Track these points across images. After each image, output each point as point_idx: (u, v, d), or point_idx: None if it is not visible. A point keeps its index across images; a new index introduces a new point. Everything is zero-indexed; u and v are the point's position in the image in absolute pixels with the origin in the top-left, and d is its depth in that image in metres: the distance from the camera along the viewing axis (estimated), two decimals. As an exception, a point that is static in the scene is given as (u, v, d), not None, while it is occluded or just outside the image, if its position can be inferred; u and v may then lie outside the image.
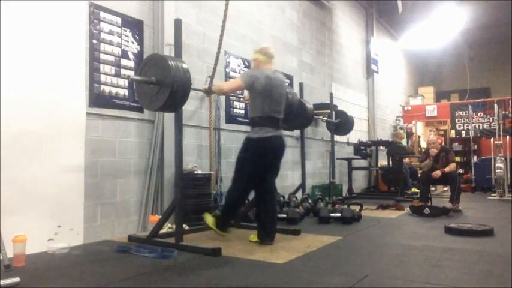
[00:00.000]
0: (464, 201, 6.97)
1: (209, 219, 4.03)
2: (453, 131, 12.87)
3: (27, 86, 3.62)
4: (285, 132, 6.81)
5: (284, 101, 4.01)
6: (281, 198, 5.87)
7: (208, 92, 4.15)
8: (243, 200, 4.19)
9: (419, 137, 13.67)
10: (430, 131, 10.93)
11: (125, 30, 4.54)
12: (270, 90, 3.80)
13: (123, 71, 4.49)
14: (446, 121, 13.18)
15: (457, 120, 12.85)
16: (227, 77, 5.89)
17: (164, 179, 4.68)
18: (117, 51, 4.45)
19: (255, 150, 3.82)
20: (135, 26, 4.65)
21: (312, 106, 6.59)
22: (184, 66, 3.62)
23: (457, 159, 10.58)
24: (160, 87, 3.56)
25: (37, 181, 3.62)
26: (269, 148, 3.84)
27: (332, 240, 4.05)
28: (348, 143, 9.04)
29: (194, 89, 4.08)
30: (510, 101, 11.74)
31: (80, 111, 4.00)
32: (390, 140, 10.14)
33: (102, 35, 4.31)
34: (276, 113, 3.89)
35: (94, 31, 4.23)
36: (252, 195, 5.33)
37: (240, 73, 6.16)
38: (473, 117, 11.82)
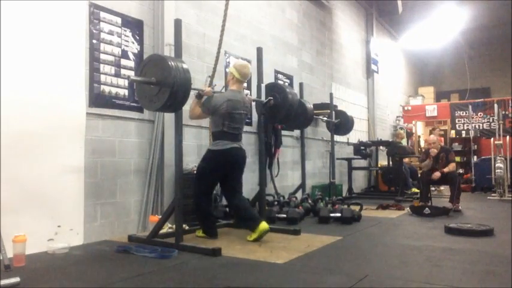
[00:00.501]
0: (464, 201, 6.97)
1: (200, 233, 4.29)
2: (453, 131, 12.87)
3: (28, 86, 3.62)
4: (285, 132, 6.88)
5: (245, 119, 4.34)
6: (281, 198, 5.87)
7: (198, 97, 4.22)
8: (208, 203, 4.28)
9: (419, 137, 13.67)
10: (433, 130, 10.91)
11: (125, 30, 4.54)
12: (230, 112, 4.09)
13: (123, 71, 4.49)
14: (446, 121, 13.18)
15: (457, 120, 12.86)
16: (227, 77, 5.89)
17: (164, 179, 4.68)
18: (117, 51, 4.45)
19: (215, 161, 4.12)
20: (135, 26, 4.65)
21: (312, 106, 6.59)
22: (185, 66, 3.62)
23: (457, 159, 10.58)
24: (160, 87, 3.56)
25: (37, 181, 3.62)
26: (228, 159, 4.14)
27: (332, 240, 4.05)
28: (348, 143, 9.05)
29: (194, 89, 4.11)
30: (510, 101, 11.75)
31: (80, 111, 4.00)
32: (390, 140, 10.14)
33: (102, 35, 4.31)
34: (235, 129, 4.18)
35: (94, 31, 4.23)
36: (249, 192, 5.43)
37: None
38: (473, 117, 11.82)
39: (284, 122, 5.85)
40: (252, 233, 4.00)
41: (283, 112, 5.11)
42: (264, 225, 3.99)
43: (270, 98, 5.02)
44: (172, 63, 3.54)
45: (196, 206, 4.22)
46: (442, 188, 9.25)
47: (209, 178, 4.18)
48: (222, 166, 4.14)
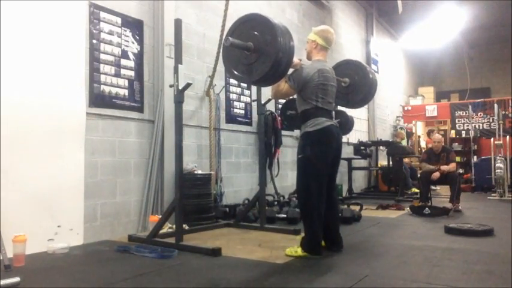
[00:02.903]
0: (464, 201, 6.97)
1: (294, 251, 3.40)
2: (453, 131, 12.87)
3: (28, 86, 3.62)
4: (285, 132, 6.88)
5: (335, 93, 3.68)
6: (281, 198, 5.88)
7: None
8: (322, 205, 3.43)
9: (419, 137, 13.67)
10: (431, 132, 10.92)
11: (125, 30, 4.54)
12: (322, 84, 3.46)
13: (123, 71, 4.49)
14: (446, 121, 13.18)
15: (457, 120, 12.85)
16: (227, 77, 5.89)
17: (164, 179, 4.68)
18: (117, 51, 4.45)
19: (321, 143, 3.41)
20: (135, 26, 4.65)
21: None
22: (287, 28, 3.18)
23: (457, 159, 10.57)
24: (259, 55, 3.09)
25: (37, 181, 3.62)
26: (332, 138, 3.47)
27: (332, 240, 4.04)
28: (348, 143, 9.04)
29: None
30: (510, 101, 11.74)
31: (80, 111, 4.00)
32: (390, 140, 10.13)
33: (102, 35, 4.31)
34: (329, 105, 3.55)
35: (94, 31, 4.23)
36: (247, 191, 5.45)
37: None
38: (473, 117, 11.82)
39: (361, 105, 5.04)
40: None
41: (362, 94, 4.40)
42: (341, 248, 3.52)
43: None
44: (277, 22, 3.06)
45: (307, 213, 3.45)
46: (438, 188, 9.24)
47: (321, 168, 3.40)
48: (330, 148, 3.46)
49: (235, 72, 3.33)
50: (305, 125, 3.49)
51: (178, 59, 3.75)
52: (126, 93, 4.51)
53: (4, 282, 2.58)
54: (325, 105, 3.49)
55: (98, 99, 4.23)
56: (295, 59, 3.44)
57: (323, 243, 3.51)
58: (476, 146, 11.89)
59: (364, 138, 10.18)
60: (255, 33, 3.13)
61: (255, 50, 3.13)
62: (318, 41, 3.64)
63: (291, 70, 3.49)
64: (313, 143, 3.42)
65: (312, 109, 3.46)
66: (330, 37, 3.69)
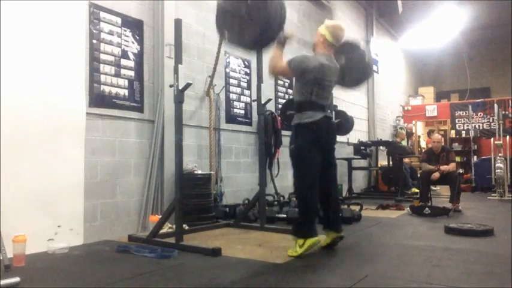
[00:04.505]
0: (464, 201, 6.96)
1: (295, 251, 3.40)
2: (453, 131, 12.87)
3: (28, 86, 3.62)
4: (285, 132, 6.87)
5: (333, 88, 3.78)
6: (281, 198, 5.87)
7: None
8: (314, 192, 3.53)
9: (419, 137, 13.67)
10: (436, 132, 10.91)
11: (125, 30, 4.54)
12: (320, 79, 3.51)
13: (123, 71, 4.49)
14: (446, 121, 13.18)
15: (457, 120, 12.85)
16: (227, 77, 5.89)
17: (164, 179, 4.68)
18: (117, 51, 4.45)
19: (311, 133, 3.50)
20: (135, 26, 4.65)
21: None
22: None
23: (457, 159, 10.57)
24: (251, 18, 3.20)
25: (37, 181, 3.62)
26: (322, 129, 3.55)
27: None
28: (348, 143, 9.04)
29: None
30: (510, 101, 11.74)
31: (80, 111, 4.00)
32: (390, 140, 10.14)
33: (102, 35, 4.31)
34: (324, 99, 3.60)
35: (94, 31, 4.23)
36: (249, 191, 5.44)
37: (240, 73, 6.15)
38: (473, 117, 11.80)
39: (357, 84, 4.69)
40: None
41: (358, 73, 4.28)
42: (340, 230, 3.64)
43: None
44: None
45: (301, 198, 3.57)
46: (438, 188, 9.24)
47: (312, 158, 3.48)
48: (319, 139, 3.51)
49: (229, 37, 3.39)
50: (297, 116, 3.59)
51: (178, 59, 3.75)
52: (126, 93, 4.51)
53: (4, 282, 2.58)
54: (319, 100, 3.55)
55: (98, 99, 4.23)
56: (289, 30, 3.45)
57: (322, 242, 3.54)
58: (476, 146, 11.88)
59: (364, 138, 10.18)
60: None
61: (247, 13, 3.19)
62: (326, 37, 3.64)
63: (291, 56, 3.52)
64: (303, 133, 3.52)
65: (306, 102, 3.54)
66: (340, 34, 3.71)
